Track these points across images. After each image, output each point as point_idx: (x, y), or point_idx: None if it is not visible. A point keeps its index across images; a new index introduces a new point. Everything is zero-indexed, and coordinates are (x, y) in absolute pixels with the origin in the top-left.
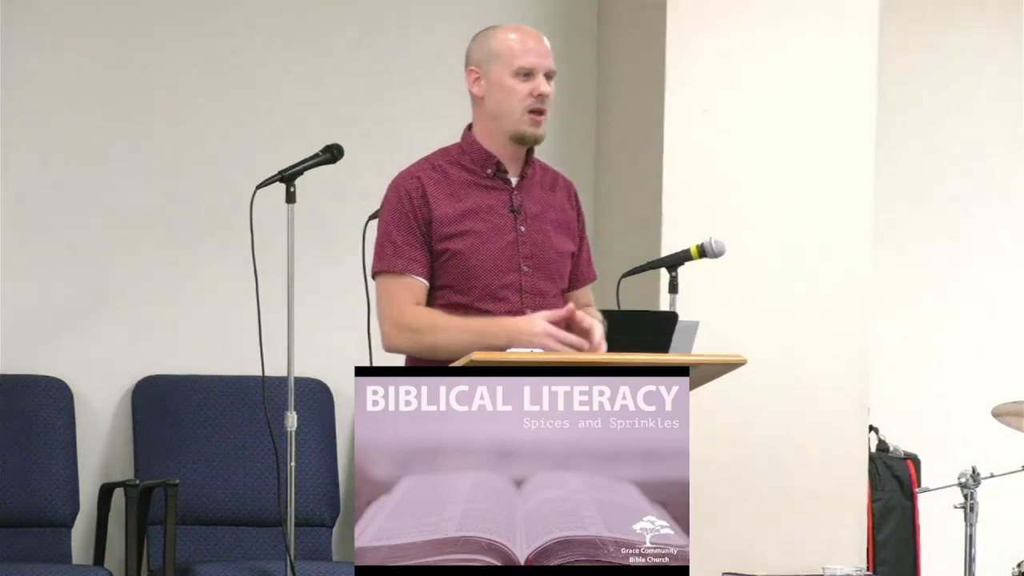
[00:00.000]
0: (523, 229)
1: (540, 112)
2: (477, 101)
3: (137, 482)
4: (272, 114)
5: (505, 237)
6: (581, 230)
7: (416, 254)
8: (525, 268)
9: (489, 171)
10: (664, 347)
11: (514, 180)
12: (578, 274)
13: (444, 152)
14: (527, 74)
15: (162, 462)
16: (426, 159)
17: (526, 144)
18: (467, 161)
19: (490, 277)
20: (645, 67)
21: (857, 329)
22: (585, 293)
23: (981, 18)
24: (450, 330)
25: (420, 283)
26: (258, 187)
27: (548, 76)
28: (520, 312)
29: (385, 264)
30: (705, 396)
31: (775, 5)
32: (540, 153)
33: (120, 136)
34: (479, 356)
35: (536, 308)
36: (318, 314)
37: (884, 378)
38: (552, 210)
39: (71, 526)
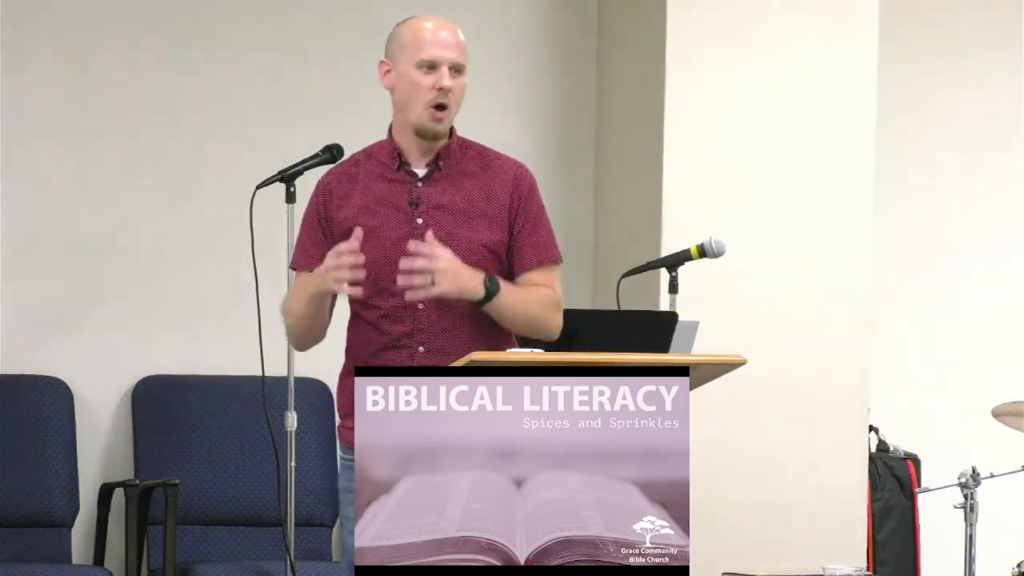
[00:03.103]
0: (420, 221)
1: (442, 107)
2: (391, 94)
3: (137, 482)
4: (272, 114)
5: (398, 230)
6: (521, 218)
7: (313, 249)
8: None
9: (395, 164)
10: (664, 347)
11: (421, 172)
12: (516, 261)
13: (373, 146)
14: (431, 66)
15: (162, 462)
16: (354, 154)
17: (426, 139)
18: (382, 155)
19: (381, 271)
20: (645, 67)
21: (857, 329)
22: (531, 280)
23: (982, 16)
24: (288, 298)
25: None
26: (258, 187)
27: (456, 70)
28: (412, 307)
29: (292, 263)
30: (705, 396)
31: (775, 6)
32: (536, 151)
33: (120, 136)
34: (479, 356)
35: (427, 302)
36: None
37: (884, 378)
38: (466, 200)
39: (71, 526)
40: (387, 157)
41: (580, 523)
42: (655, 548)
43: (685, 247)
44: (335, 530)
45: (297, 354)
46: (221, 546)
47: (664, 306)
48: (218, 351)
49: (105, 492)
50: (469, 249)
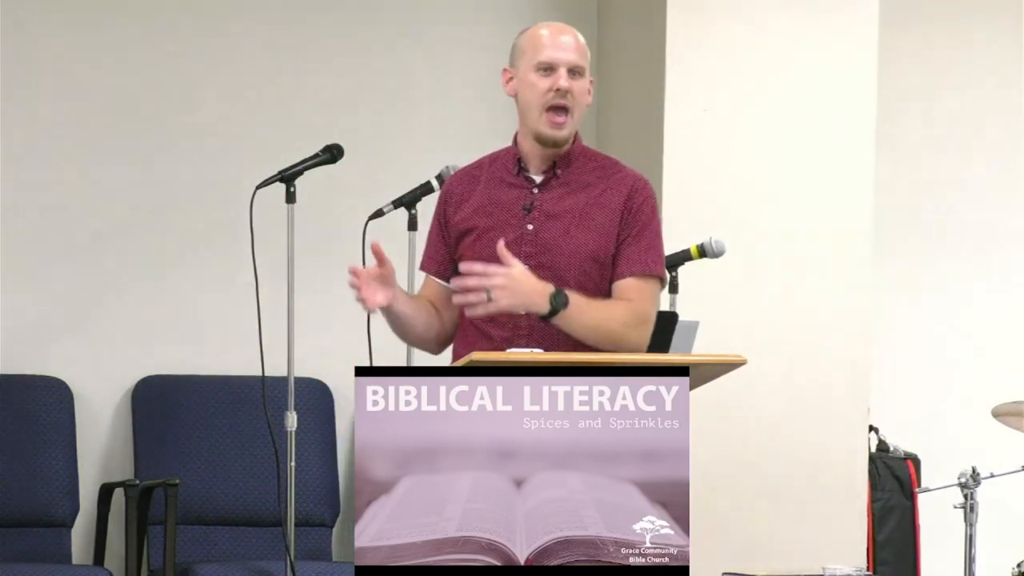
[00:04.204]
0: (530, 227)
1: (559, 109)
2: (515, 101)
3: (137, 482)
4: (272, 114)
5: (509, 234)
6: (628, 228)
7: (434, 252)
8: (525, 267)
9: (515, 170)
10: (664, 347)
11: (539, 178)
12: (614, 269)
13: (500, 151)
14: (547, 69)
15: (162, 462)
16: (480, 158)
17: (545, 145)
18: (506, 160)
19: None
20: (645, 67)
21: (857, 329)
22: (621, 290)
23: (982, 15)
24: None
25: (432, 280)
26: (258, 187)
27: (575, 71)
28: (515, 311)
29: (420, 264)
30: (705, 396)
31: (775, 5)
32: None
33: (120, 136)
34: (479, 356)
35: None
36: (318, 314)
37: (884, 378)
38: (579, 209)
39: (71, 526)
40: (510, 162)
41: (580, 523)
42: (655, 548)
43: (685, 247)
44: (335, 530)
45: (297, 354)
46: (221, 546)
47: (664, 306)
48: (218, 351)
49: (105, 492)
50: (574, 258)
